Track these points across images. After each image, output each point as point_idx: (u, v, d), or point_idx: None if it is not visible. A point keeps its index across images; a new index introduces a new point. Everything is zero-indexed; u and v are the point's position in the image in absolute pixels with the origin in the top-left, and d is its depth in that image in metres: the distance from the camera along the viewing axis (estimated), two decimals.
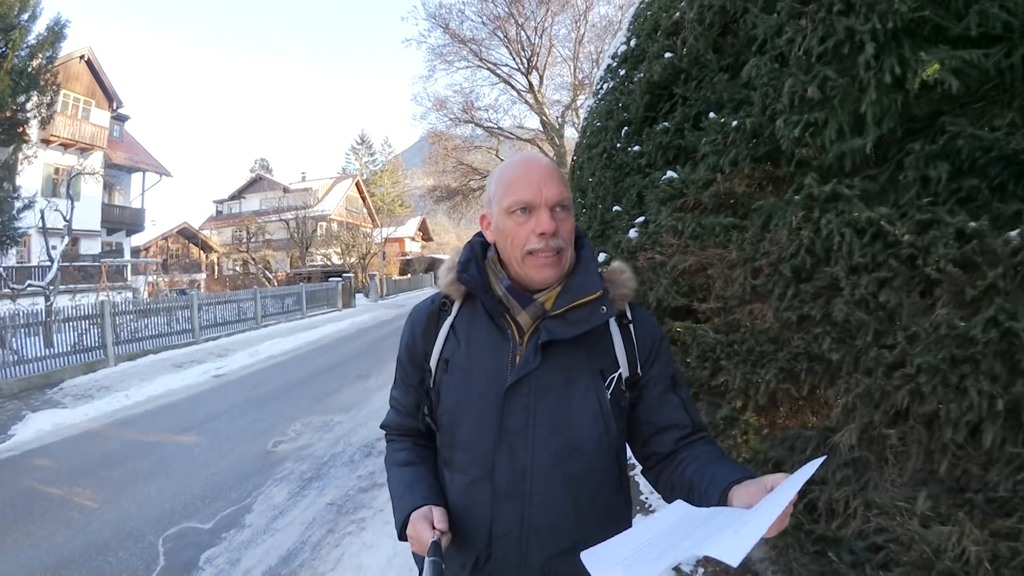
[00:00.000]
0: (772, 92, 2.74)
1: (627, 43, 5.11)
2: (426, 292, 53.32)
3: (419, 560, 1.42)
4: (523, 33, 31.66)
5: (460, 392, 1.59)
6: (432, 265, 68.19)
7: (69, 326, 15.48)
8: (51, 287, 17.60)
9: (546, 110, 33.12)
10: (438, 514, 1.47)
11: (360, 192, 63.20)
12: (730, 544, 1.04)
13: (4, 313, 13.97)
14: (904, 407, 2.15)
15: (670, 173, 3.67)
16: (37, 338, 14.37)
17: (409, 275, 60.86)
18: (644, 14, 4.82)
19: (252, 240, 48.87)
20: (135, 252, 34.89)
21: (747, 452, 3.07)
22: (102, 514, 6.30)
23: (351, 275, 39.25)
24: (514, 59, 32.79)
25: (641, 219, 4.33)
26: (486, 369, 1.57)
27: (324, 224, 50.48)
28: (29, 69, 15.27)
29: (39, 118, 16.21)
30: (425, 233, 77.62)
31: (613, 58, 5.71)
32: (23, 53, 14.78)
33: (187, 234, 44.40)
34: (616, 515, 1.58)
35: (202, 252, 46.13)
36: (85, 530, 5.92)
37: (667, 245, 3.54)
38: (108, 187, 30.62)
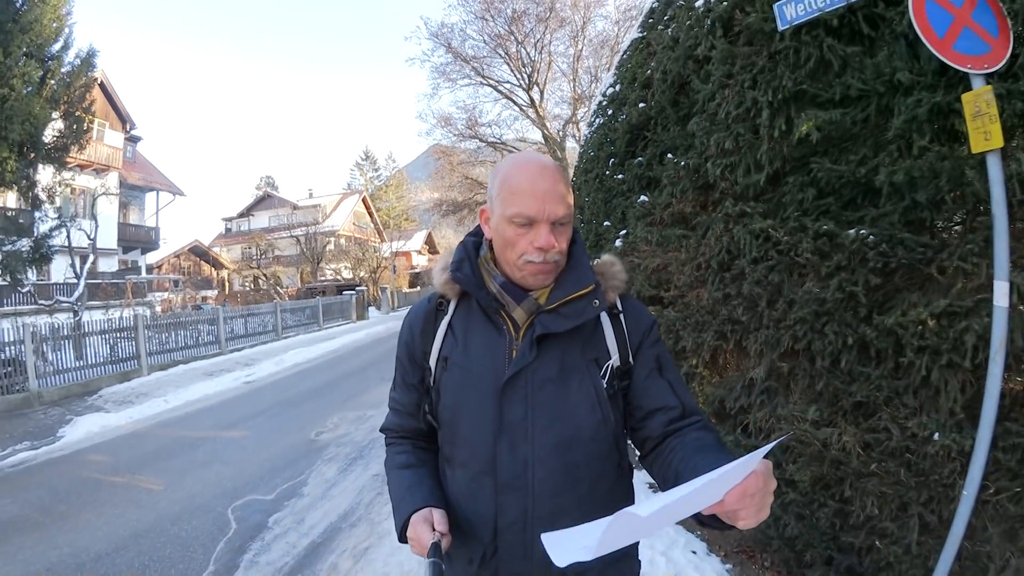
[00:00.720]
0: (706, 141, 3.77)
1: (613, 86, 6.04)
2: None
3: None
4: (523, 50, 32.23)
5: (459, 388, 1.64)
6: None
7: (103, 338, 16.44)
8: (79, 303, 18.56)
9: (547, 124, 33.67)
10: (438, 516, 1.52)
11: (367, 207, 63.69)
12: (656, 505, 1.06)
13: (44, 327, 14.90)
14: (792, 348, 3.20)
15: (643, 197, 4.65)
16: (68, 351, 15.32)
17: (419, 287, 61.53)
18: (626, 64, 5.78)
19: (263, 257, 49.80)
20: (149, 269, 35.78)
21: (702, 396, 4.04)
22: (169, 494, 7.05)
23: (364, 288, 40.22)
24: (515, 75, 33.36)
25: (624, 232, 5.15)
26: (484, 365, 1.62)
27: (332, 239, 50.92)
28: (65, 98, 16.15)
29: (77, 144, 17.11)
30: (431, 246, 77.87)
31: (603, 95, 6.56)
32: (54, 81, 15.67)
33: (198, 251, 45.37)
34: (619, 504, 1.58)
35: (213, 269, 47.05)
36: (155, 507, 6.62)
37: (642, 251, 4.51)
38: (123, 206, 31.53)
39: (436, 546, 1.42)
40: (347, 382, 14.33)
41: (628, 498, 1.72)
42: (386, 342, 22.60)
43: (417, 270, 68.93)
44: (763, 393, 3.49)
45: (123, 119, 30.46)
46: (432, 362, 1.70)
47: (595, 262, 1.73)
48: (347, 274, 49.34)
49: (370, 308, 39.33)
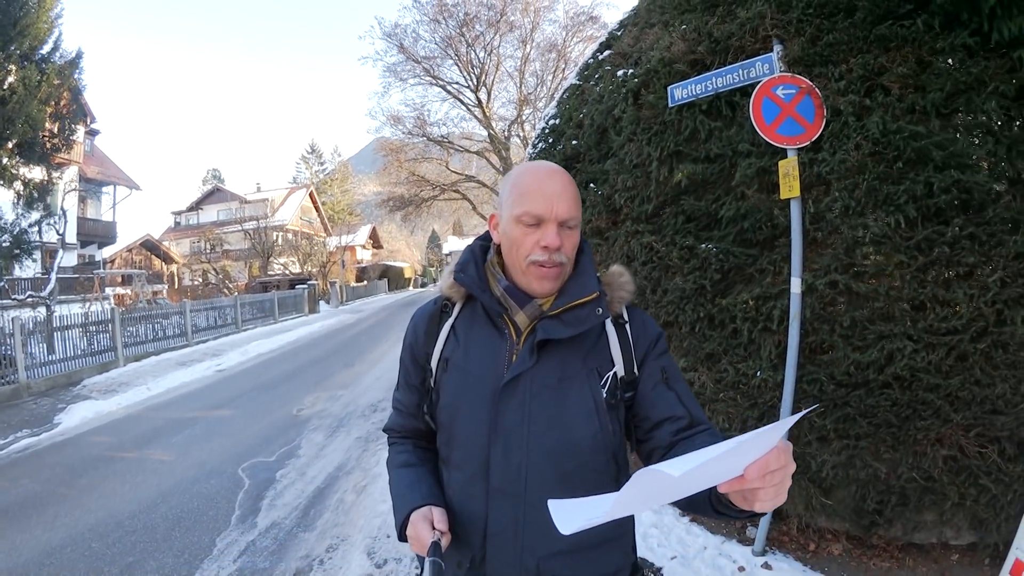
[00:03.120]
0: (615, 179, 5.26)
1: (554, 118, 7.21)
2: (380, 298, 56.77)
3: (420, 561, 1.44)
4: (472, 52, 33.41)
5: (457, 390, 1.64)
6: (385, 272, 69.80)
7: (82, 331, 17.32)
8: (51, 297, 19.30)
9: (494, 124, 34.81)
10: (438, 514, 1.51)
11: (313, 202, 64.12)
12: (678, 464, 1.00)
13: (29, 321, 15.63)
14: (666, 321, 4.71)
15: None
16: (43, 345, 16.10)
17: (365, 282, 61.57)
18: (564, 104, 7.02)
19: (212, 251, 50.01)
20: (103, 264, 35.95)
21: None
22: (182, 462, 8.01)
23: (315, 283, 40.80)
24: (464, 76, 34.55)
25: None
26: (483, 367, 1.61)
27: (280, 234, 51.44)
28: (61, 100, 16.95)
29: (66, 146, 17.82)
30: (376, 241, 78.08)
31: (546, 123, 7.48)
32: (47, 84, 16.24)
33: (149, 246, 45.21)
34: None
35: (163, 263, 46.75)
36: (173, 474, 7.56)
37: None
38: (81, 200, 31.47)
39: (436, 545, 1.42)
40: (313, 369, 15.45)
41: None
42: (340, 333, 23.84)
43: (363, 264, 69.01)
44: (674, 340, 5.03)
45: (85, 113, 30.11)
46: (433, 363, 1.71)
47: (602, 272, 1.76)
48: (295, 268, 49.84)
49: (320, 302, 40.28)
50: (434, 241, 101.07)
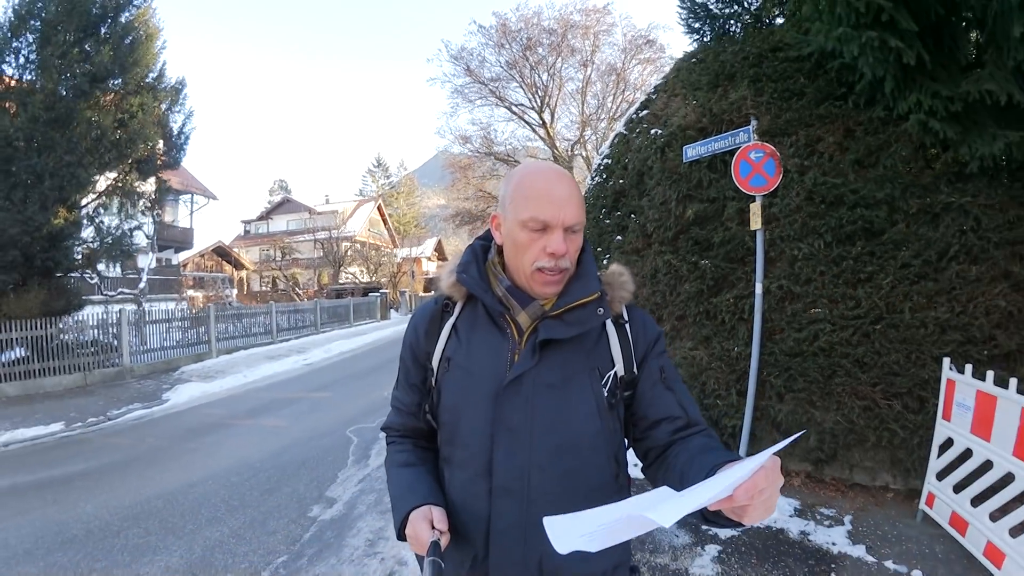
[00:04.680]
0: (647, 212, 7.02)
1: (607, 159, 8.90)
2: None
3: (420, 560, 1.44)
4: (536, 75, 34.28)
5: (460, 390, 1.64)
6: None
7: (173, 325, 19.33)
8: (143, 295, 21.51)
9: (557, 144, 35.75)
10: (438, 514, 1.52)
11: (381, 214, 65.22)
12: (668, 507, 1.04)
13: (130, 314, 17.77)
14: (679, 315, 6.50)
15: (619, 237, 7.72)
16: (137, 335, 18.04)
17: (432, 292, 62.84)
18: (615, 148, 8.75)
19: (283, 259, 50.70)
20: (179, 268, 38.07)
21: None
22: (294, 428, 9.41)
23: (386, 291, 42.62)
24: (528, 98, 35.36)
25: (608, 256, 7.91)
26: (485, 367, 1.61)
27: (349, 244, 52.09)
28: (175, 123, 19.07)
29: (175, 163, 19.83)
30: (441, 254, 77.95)
31: (602, 161, 9.17)
32: (158, 107, 18.32)
33: (220, 252, 46.91)
34: None
35: (234, 269, 48.32)
36: (288, 435, 8.94)
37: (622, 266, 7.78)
38: (161, 208, 33.63)
39: (435, 544, 1.43)
40: (394, 364, 17.08)
41: None
42: None
43: (429, 276, 69.45)
44: (671, 339, 6.70)
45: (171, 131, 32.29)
46: (435, 363, 1.71)
47: (603, 272, 1.75)
48: (364, 278, 51.21)
49: (391, 309, 41.99)
50: None
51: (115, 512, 6.31)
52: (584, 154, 34.72)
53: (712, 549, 4.68)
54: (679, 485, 1.30)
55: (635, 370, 1.68)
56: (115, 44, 17.00)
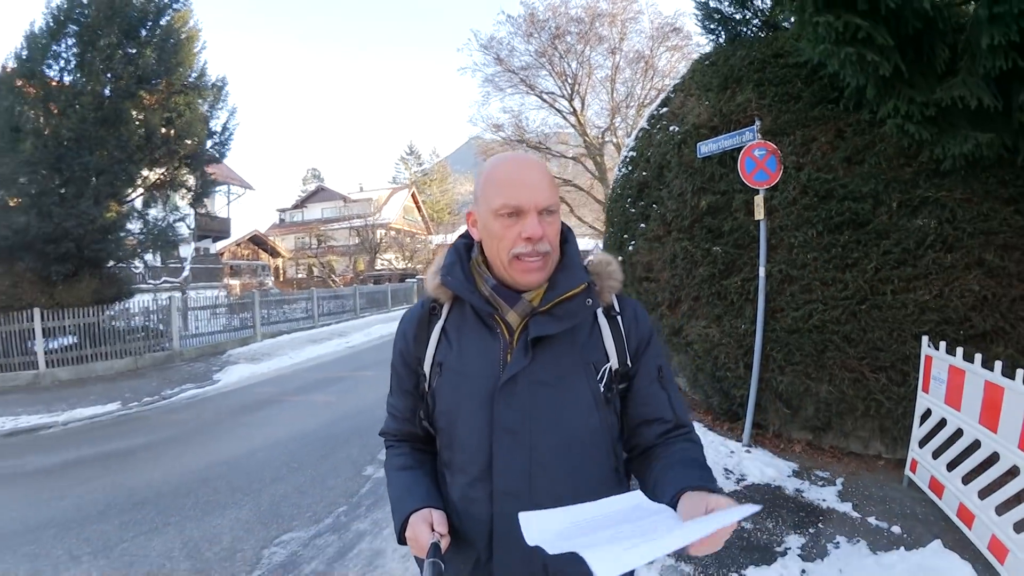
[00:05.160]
0: (667, 203, 7.71)
1: (633, 151, 9.46)
2: None
3: (420, 563, 1.45)
4: (565, 64, 34.26)
5: (454, 394, 1.63)
6: None
7: (214, 311, 20.31)
8: (186, 283, 22.57)
9: (588, 131, 35.86)
10: (437, 516, 1.54)
11: (415, 201, 65.36)
12: (611, 558, 1.07)
13: (177, 300, 18.77)
14: (695, 297, 7.16)
15: (643, 224, 8.34)
16: (182, 320, 19.02)
17: None
18: (639, 141, 9.33)
19: (319, 247, 51.92)
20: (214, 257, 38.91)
21: (667, 327, 7.85)
22: (344, 402, 10.06)
23: (422, 278, 43.21)
24: (558, 86, 35.36)
25: (633, 242, 8.57)
26: (478, 369, 1.61)
27: (382, 231, 52.42)
28: (219, 119, 19.99)
29: (221, 157, 20.93)
30: None
31: (627, 153, 9.74)
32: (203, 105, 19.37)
33: (257, 240, 47.32)
34: None
35: (270, 257, 48.83)
36: (340, 408, 9.62)
37: (640, 253, 8.22)
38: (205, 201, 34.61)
39: (435, 546, 1.43)
40: None
41: None
42: None
43: None
44: (688, 318, 7.36)
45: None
46: (426, 368, 1.70)
47: (589, 260, 1.75)
48: (399, 264, 51.82)
49: None
50: None
51: (182, 477, 6.98)
52: (615, 141, 34.85)
53: None
54: (651, 491, 1.49)
55: (628, 362, 1.69)
56: (158, 47, 17.89)
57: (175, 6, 18.46)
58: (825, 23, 4.68)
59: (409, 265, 51.87)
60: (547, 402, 1.57)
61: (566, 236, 1.70)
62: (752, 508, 1.18)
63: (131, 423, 10.27)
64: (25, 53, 16.34)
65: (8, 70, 16.50)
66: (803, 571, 4.05)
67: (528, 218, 1.53)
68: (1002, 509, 3.86)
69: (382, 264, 51.45)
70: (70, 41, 16.85)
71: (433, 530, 1.50)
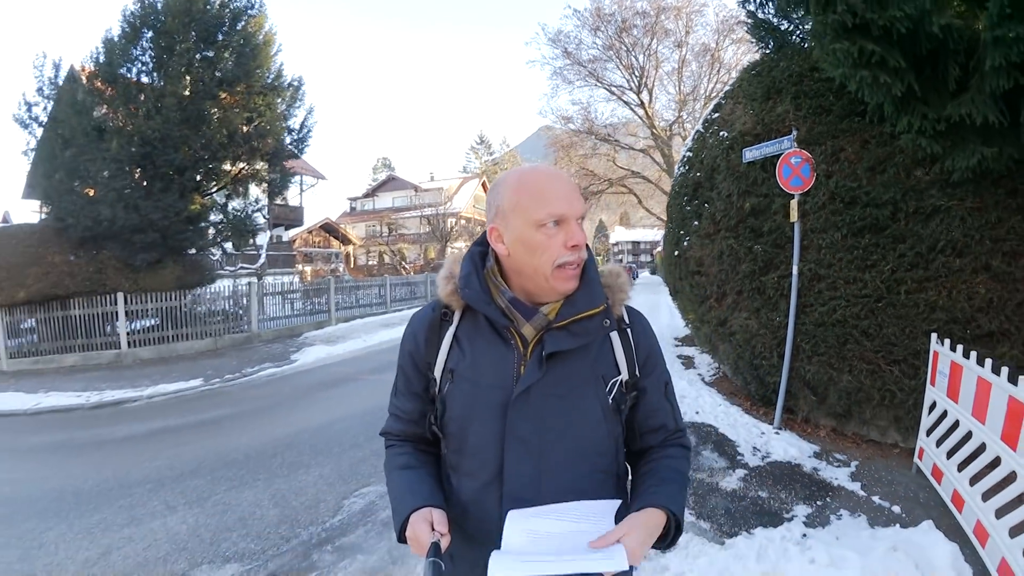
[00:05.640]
0: (716, 203, 8.23)
1: (690, 151, 9.93)
2: None
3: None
4: (632, 57, 34.77)
5: (467, 401, 1.67)
6: None
7: (296, 296, 21.59)
8: (262, 270, 23.67)
9: (656, 123, 36.12)
10: (438, 516, 1.56)
11: (485, 191, 62.60)
12: (509, 566, 1.35)
13: (256, 286, 20.08)
14: (738, 291, 7.77)
15: (696, 222, 8.84)
16: (259, 305, 20.10)
17: None
18: (695, 143, 9.79)
19: (390, 235, 52.79)
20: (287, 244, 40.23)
21: (715, 317, 8.43)
22: None
23: None
24: (625, 79, 35.88)
25: (688, 238, 9.11)
26: (491, 379, 1.65)
27: (452, 220, 53.24)
28: (297, 119, 21.18)
29: (300, 153, 22.05)
30: None
31: (685, 153, 10.24)
32: (281, 105, 20.50)
33: (328, 228, 48.79)
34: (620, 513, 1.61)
35: (341, 244, 50.26)
36: None
37: (694, 249, 8.79)
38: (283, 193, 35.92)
39: (436, 546, 1.46)
40: None
41: (624, 506, 1.71)
42: None
43: None
44: (732, 310, 7.93)
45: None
46: (437, 373, 1.74)
47: (601, 273, 1.77)
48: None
49: None
50: (601, 231, 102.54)
51: (267, 442, 7.92)
52: (682, 133, 34.98)
53: (740, 472, 6.07)
54: (632, 491, 1.76)
55: (637, 372, 1.76)
56: (236, 51, 19.00)
57: (250, 12, 19.52)
58: (842, 49, 5.19)
59: None
60: (558, 413, 1.63)
61: (586, 251, 1.70)
62: (623, 567, 1.38)
63: (214, 397, 11.31)
64: (103, 57, 17.55)
65: (86, 72, 17.89)
66: (804, 535, 4.66)
67: (572, 225, 1.59)
68: (988, 496, 4.19)
69: (452, 251, 50.45)
70: (146, 45, 18.04)
71: (434, 529, 1.53)
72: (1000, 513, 3.98)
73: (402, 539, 1.60)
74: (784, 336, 7.00)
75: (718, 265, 8.08)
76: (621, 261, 70.73)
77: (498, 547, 1.49)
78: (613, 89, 36.82)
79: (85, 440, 8.95)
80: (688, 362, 12.15)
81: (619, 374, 1.72)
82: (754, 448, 6.70)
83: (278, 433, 8.30)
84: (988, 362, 4.41)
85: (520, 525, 1.46)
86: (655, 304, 20.63)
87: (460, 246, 52.71)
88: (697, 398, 8.97)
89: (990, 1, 4.30)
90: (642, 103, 36.27)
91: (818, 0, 5.13)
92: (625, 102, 37.16)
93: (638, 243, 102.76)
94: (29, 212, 40.60)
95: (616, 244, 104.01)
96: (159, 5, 18.03)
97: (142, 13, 17.94)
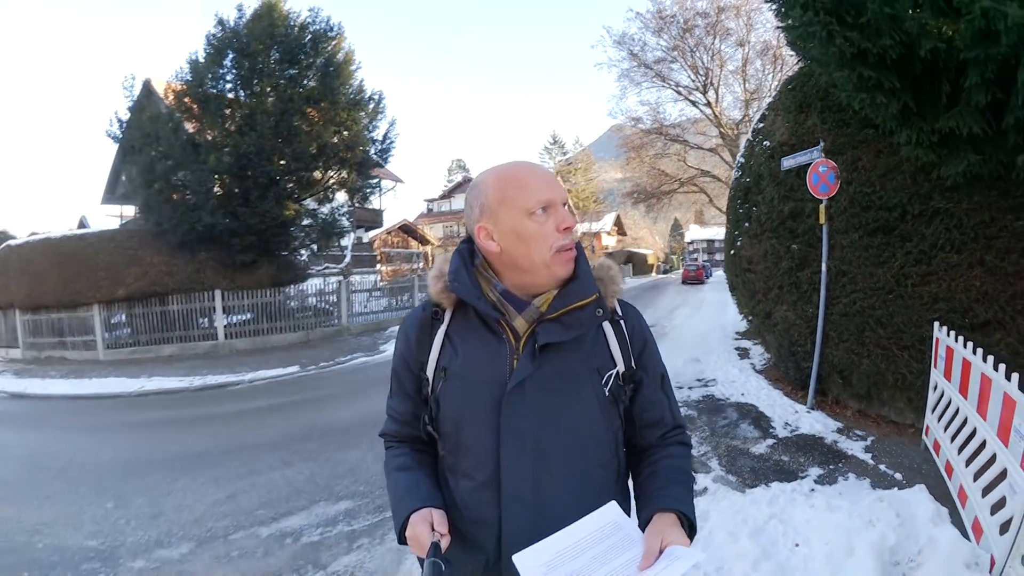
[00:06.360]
0: (762, 206, 9.09)
1: (742, 158, 10.75)
2: (627, 281, 58.44)
3: (421, 563, 1.45)
4: (696, 57, 35.21)
5: (461, 399, 1.65)
6: (629, 258, 71.71)
7: (384, 293, 23.15)
8: (348, 269, 25.29)
9: (723, 122, 36.42)
10: (438, 516, 1.56)
11: None
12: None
13: (344, 284, 21.86)
14: (779, 286, 8.63)
15: (747, 224, 9.62)
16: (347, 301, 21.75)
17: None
18: (746, 149, 10.62)
19: None
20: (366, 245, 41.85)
21: (763, 310, 9.25)
22: None
23: None
24: (691, 80, 36.32)
25: (740, 237, 9.94)
26: (484, 375, 1.63)
27: None
28: (379, 131, 22.79)
29: (383, 162, 23.61)
30: (620, 228, 79.91)
31: (740, 156, 10.99)
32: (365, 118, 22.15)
33: (407, 229, 50.03)
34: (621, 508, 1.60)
35: (420, 244, 51.38)
36: None
37: (746, 248, 9.61)
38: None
39: (436, 546, 1.45)
40: None
41: (626, 502, 1.80)
42: None
43: (609, 250, 71.07)
44: (775, 303, 8.73)
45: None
46: (430, 372, 1.72)
47: (593, 267, 1.76)
48: None
49: None
50: (676, 229, 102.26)
51: (367, 414, 9.14)
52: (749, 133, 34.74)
53: (769, 441, 7.05)
54: (637, 495, 1.75)
55: (633, 364, 1.74)
56: (319, 70, 20.66)
57: (329, 34, 21.16)
58: (843, 76, 5.97)
59: None
60: (554, 407, 1.61)
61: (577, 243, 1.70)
62: (695, 555, 1.34)
63: (312, 381, 12.58)
64: (189, 76, 19.55)
65: (172, 89, 19.88)
66: (812, 489, 5.57)
67: (560, 209, 1.60)
68: (969, 462, 4.68)
69: None
70: (229, 64, 19.93)
71: (434, 530, 1.52)
72: (976, 476, 4.48)
73: (402, 540, 1.60)
74: (816, 326, 7.82)
75: (764, 263, 8.94)
76: (696, 260, 69.98)
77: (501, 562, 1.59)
78: (680, 90, 37.24)
79: (196, 415, 10.40)
80: (744, 353, 12.99)
81: (615, 366, 1.71)
82: (785, 423, 7.64)
83: (376, 408, 8.73)
84: (970, 345, 5.03)
85: (534, 561, 1.38)
86: (724, 301, 21.12)
87: None
88: (745, 383, 9.91)
89: (962, 28, 4.87)
90: (709, 103, 36.60)
91: (821, 36, 5.89)
92: (692, 102, 37.52)
93: (712, 241, 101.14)
94: (104, 216, 43.87)
95: (691, 243, 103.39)
96: (241, 28, 19.89)
97: (225, 36, 19.87)
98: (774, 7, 6.66)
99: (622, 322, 1.76)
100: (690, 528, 1.55)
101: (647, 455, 1.79)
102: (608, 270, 1.78)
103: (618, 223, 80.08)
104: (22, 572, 5.09)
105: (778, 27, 7.11)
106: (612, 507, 1.54)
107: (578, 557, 1.36)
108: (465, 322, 1.70)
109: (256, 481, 6.85)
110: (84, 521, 6.08)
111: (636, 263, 74.13)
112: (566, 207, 1.64)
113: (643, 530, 1.49)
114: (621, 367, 1.70)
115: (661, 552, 1.37)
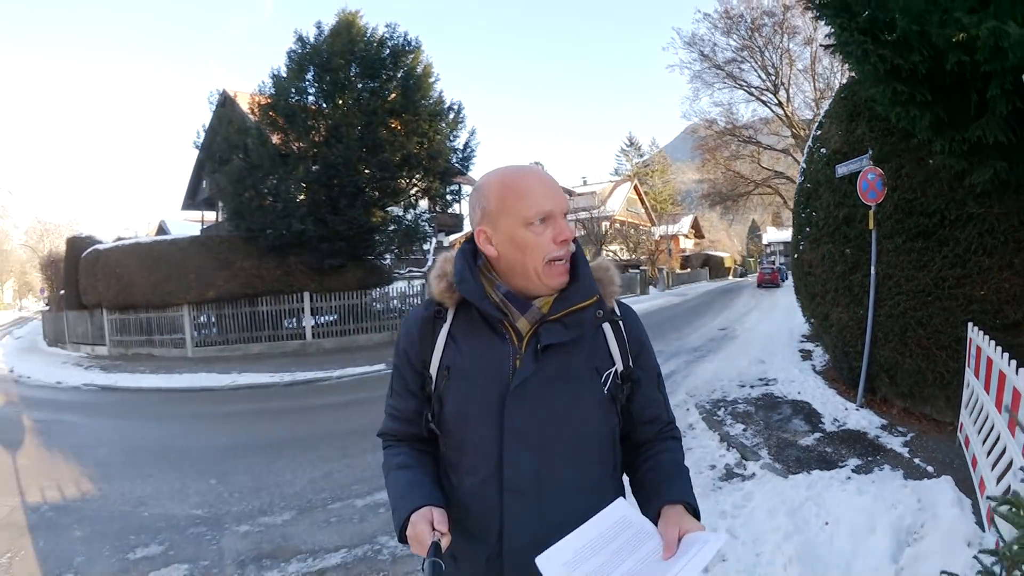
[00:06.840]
0: (820, 212, 9.53)
1: (804, 163, 11.06)
2: (702, 284, 60.37)
3: (422, 562, 1.44)
4: (766, 56, 35.39)
5: (464, 398, 1.67)
6: (706, 261, 71.90)
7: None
8: (430, 271, 26.15)
9: (795, 122, 36.40)
10: (438, 515, 1.56)
11: (638, 194, 66.62)
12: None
13: (419, 287, 22.75)
14: (834, 288, 9.02)
15: (807, 229, 9.90)
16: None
17: (688, 269, 64.54)
18: (808, 155, 10.90)
19: None
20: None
21: (823, 309, 9.68)
22: None
23: (645, 268, 45.38)
24: (761, 80, 36.51)
25: (803, 243, 10.18)
26: (487, 374, 1.65)
27: (606, 223, 53.69)
28: (460, 141, 23.68)
29: (465, 168, 24.59)
30: (697, 231, 79.37)
31: (803, 162, 11.33)
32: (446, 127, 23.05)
33: None
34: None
35: None
36: None
37: (807, 253, 9.97)
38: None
39: (436, 545, 1.45)
40: (669, 323, 21.87)
41: (620, 494, 1.79)
42: (669, 310, 29.46)
43: (686, 253, 71.42)
44: (831, 305, 9.09)
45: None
46: (433, 371, 1.73)
47: (592, 265, 1.78)
48: (623, 255, 53.38)
49: (649, 286, 44.53)
50: (754, 231, 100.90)
51: None
52: None
53: (816, 435, 7.54)
54: (638, 492, 1.81)
55: (630, 363, 1.78)
56: (400, 84, 21.60)
57: (407, 48, 22.05)
58: (880, 91, 6.36)
59: (633, 256, 53.55)
60: (556, 406, 1.64)
61: (575, 244, 1.73)
62: (720, 538, 1.41)
63: None
64: (272, 90, 20.77)
65: (255, 101, 21.17)
66: (848, 477, 6.05)
67: (559, 221, 1.62)
68: (988, 453, 4.92)
69: (607, 255, 51.56)
70: (311, 79, 21.12)
71: (434, 529, 1.52)
72: (993, 467, 4.72)
73: (403, 539, 1.60)
74: (866, 327, 8.18)
75: (821, 267, 9.32)
76: (773, 262, 69.08)
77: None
78: (752, 90, 37.37)
79: (287, 407, 11.29)
80: (806, 355, 13.28)
81: (613, 365, 1.74)
82: (834, 419, 8.07)
83: None
84: (992, 343, 5.23)
85: (557, 569, 1.39)
86: (795, 305, 21.47)
87: (615, 249, 54.09)
88: (804, 383, 10.29)
89: (979, 43, 5.09)
90: (780, 102, 36.67)
91: (857, 54, 6.25)
92: (763, 102, 37.65)
93: (788, 244, 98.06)
94: (184, 220, 45.98)
95: (768, 245, 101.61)
96: (321, 44, 21.01)
97: (305, 52, 21.02)
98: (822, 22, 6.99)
99: (621, 323, 1.80)
100: (694, 515, 1.61)
101: (644, 449, 1.84)
102: (606, 271, 1.81)
103: (695, 226, 79.63)
104: (129, 535, 5.75)
105: (822, 45, 7.44)
106: (621, 504, 1.58)
107: (598, 554, 1.40)
108: (468, 322, 1.73)
109: (351, 463, 7.61)
110: (189, 494, 6.91)
111: (713, 266, 73.96)
112: (565, 217, 1.68)
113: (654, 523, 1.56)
114: (619, 366, 1.75)
115: (680, 541, 1.43)
